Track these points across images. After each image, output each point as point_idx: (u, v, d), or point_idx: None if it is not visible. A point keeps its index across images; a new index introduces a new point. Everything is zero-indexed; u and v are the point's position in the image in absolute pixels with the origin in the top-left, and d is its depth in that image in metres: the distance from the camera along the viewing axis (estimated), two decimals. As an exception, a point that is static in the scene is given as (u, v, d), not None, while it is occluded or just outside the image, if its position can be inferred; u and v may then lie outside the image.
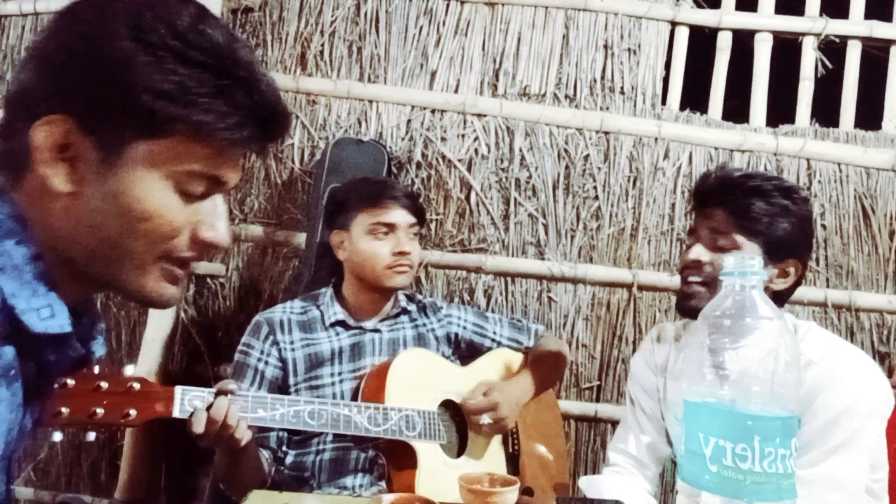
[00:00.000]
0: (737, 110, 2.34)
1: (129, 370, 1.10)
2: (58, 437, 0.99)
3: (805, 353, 1.17)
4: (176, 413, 1.15)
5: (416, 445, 1.43)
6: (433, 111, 2.29)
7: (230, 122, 0.65)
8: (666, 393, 1.45)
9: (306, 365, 1.58)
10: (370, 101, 2.30)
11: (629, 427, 1.51)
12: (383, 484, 1.50)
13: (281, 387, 1.58)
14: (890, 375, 2.15)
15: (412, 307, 1.74)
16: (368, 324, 1.66)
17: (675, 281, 2.14)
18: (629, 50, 2.30)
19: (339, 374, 1.59)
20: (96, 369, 1.03)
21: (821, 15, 2.32)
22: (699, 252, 1.31)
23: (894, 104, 2.33)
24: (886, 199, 2.24)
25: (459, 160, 2.25)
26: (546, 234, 2.25)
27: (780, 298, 1.30)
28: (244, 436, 1.23)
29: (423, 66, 2.32)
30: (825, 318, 2.22)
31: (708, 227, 1.31)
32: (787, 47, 2.34)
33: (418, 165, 2.26)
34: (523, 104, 2.28)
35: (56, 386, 0.71)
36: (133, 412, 1.06)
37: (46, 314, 0.62)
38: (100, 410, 1.02)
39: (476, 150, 2.26)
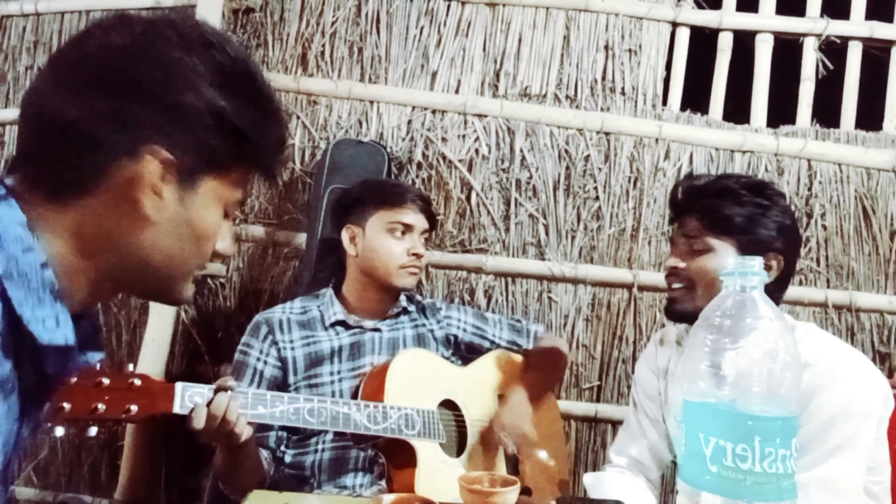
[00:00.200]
0: (737, 111, 2.34)
1: (129, 368, 1.11)
2: (60, 432, 0.99)
3: (802, 354, 1.17)
4: (177, 409, 1.15)
5: (415, 444, 1.43)
6: (434, 112, 2.29)
7: (272, 155, 0.75)
8: (667, 396, 1.45)
9: (306, 363, 1.58)
10: (371, 102, 2.30)
11: (631, 430, 1.51)
12: (383, 483, 1.50)
13: (280, 386, 1.58)
14: (890, 376, 2.15)
15: (412, 307, 1.74)
16: (368, 323, 1.66)
17: (675, 281, 2.14)
18: (630, 50, 2.30)
19: (339, 372, 1.59)
20: (98, 366, 1.03)
21: (822, 16, 2.32)
22: (674, 261, 1.36)
23: (895, 105, 2.33)
24: (887, 199, 2.24)
25: (460, 161, 2.25)
26: (546, 234, 2.25)
27: (770, 295, 1.29)
28: (244, 431, 1.23)
29: (424, 66, 2.32)
30: (825, 318, 2.22)
31: (682, 233, 1.36)
32: (787, 48, 2.34)
33: (419, 166, 2.26)
34: (524, 105, 2.28)
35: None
36: (134, 408, 1.06)
37: (52, 325, 0.63)
38: (101, 406, 1.02)
39: (477, 151, 2.27)
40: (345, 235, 1.68)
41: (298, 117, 2.29)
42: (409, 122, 2.28)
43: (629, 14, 2.31)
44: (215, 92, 0.67)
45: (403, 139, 2.28)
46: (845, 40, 2.33)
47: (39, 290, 0.62)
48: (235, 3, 2.37)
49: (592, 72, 2.30)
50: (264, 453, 1.50)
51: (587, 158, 2.26)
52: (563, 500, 1.28)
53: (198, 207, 0.70)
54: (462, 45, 2.32)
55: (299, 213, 2.29)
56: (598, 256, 2.25)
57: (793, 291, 2.00)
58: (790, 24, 2.33)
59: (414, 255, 1.64)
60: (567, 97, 2.29)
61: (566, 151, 2.26)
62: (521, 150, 2.25)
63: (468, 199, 2.26)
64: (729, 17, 2.34)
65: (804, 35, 2.32)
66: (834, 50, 2.33)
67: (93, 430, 1.03)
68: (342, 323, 1.64)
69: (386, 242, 1.63)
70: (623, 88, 2.30)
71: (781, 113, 2.34)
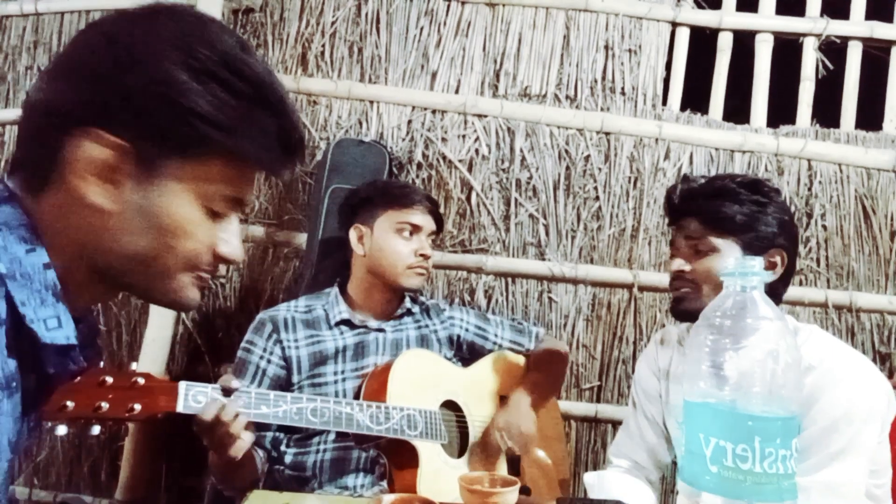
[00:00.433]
0: (737, 111, 2.35)
1: (133, 367, 1.11)
2: (62, 430, 0.99)
3: (805, 357, 1.17)
4: (180, 408, 1.15)
5: (417, 445, 1.43)
6: (434, 112, 2.29)
7: (263, 147, 0.69)
8: (668, 397, 1.45)
9: (310, 362, 1.58)
10: (371, 102, 2.30)
11: (630, 431, 1.51)
12: (384, 484, 1.50)
13: (283, 385, 1.58)
14: (890, 376, 2.15)
15: (416, 308, 1.74)
16: (373, 323, 1.67)
17: (675, 281, 2.14)
18: (630, 50, 2.30)
19: (342, 372, 1.59)
20: (100, 365, 1.03)
21: (821, 16, 2.32)
22: (679, 263, 1.35)
23: (895, 105, 2.33)
24: (887, 199, 2.24)
25: (460, 161, 2.26)
26: (546, 234, 2.25)
27: (774, 293, 1.30)
28: (246, 438, 1.23)
29: (424, 66, 2.32)
30: (826, 318, 2.22)
31: (683, 236, 1.35)
32: (787, 48, 2.34)
33: (419, 166, 2.26)
34: (524, 105, 2.28)
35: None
36: (138, 407, 1.06)
37: (53, 324, 0.63)
38: (105, 405, 1.02)
39: (477, 151, 2.27)
40: (353, 235, 1.68)
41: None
42: (409, 122, 2.28)
43: (629, 14, 2.31)
44: (177, 75, 0.63)
45: (403, 139, 2.28)
46: (845, 40, 2.33)
47: (42, 291, 0.63)
48: (235, 4, 2.37)
49: (592, 72, 2.30)
50: (259, 453, 1.50)
51: (587, 158, 2.26)
52: (563, 500, 1.28)
53: (159, 197, 0.65)
54: (462, 44, 2.32)
55: (299, 212, 2.29)
56: (599, 256, 2.25)
57: (793, 291, 2.00)
58: (790, 24, 2.33)
59: (422, 255, 1.65)
60: (567, 97, 2.29)
61: (566, 151, 2.26)
62: (521, 150, 2.25)
63: (468, 199, 2.26)
64: (729, 17, 2.34)
65: (804, 35, 2.32)
66: (834, 50, 2.33)
67: (96, 429, 1.03)
68: (347, 322, 1.64)
69: (394, 243, 1.64)
70: (623, 88, 2.30)
71: (781, 113, 2.34)
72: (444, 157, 2.26)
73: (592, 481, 1.41)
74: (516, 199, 2.25)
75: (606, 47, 2.30)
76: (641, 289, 2.23)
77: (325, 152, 2.19)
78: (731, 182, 1.33)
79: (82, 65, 0.65)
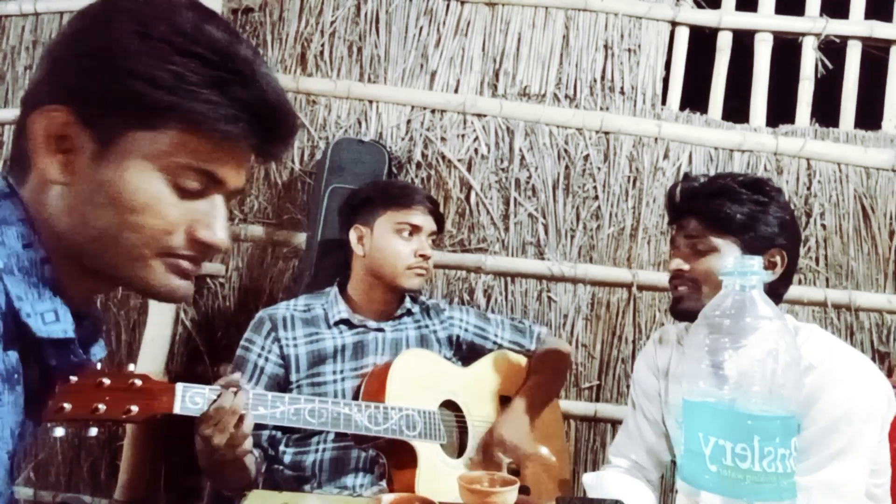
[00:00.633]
0: (737, 110, 2.35)
1: (130, 368, 1.10)
2: (60, 432, 0.99)
3: (805, 356, 1.17)
4: (177, 409, 1.15)
5: (416, 445, 1.43)
6: (433, 111, 2.29)
7: (223, 115, 0.64)
8: (667, 396, 1.45)
9: (309, 361, 1.58)
10: (370, 102, 2.30)
11: (630, 431, 1.51)
12: (384, 483, 1.50)
13: (281, 384, 1.58)
14: (889, 375, 2.15)
15: (416, 308, 1.74)
16: (372, 323, 1.66)
17: (674, 281, 2.14)
18: (629, 50, 2.30)
19: (341, 371, 1.59)
20: (98, 366, 1.03)
21: (821, 15, 2.33)
22: (678, 263, 1.35)
23: (894, 104, 2.34)
24: (886, 199, 2.25)
25: (459, 160, 2.26)
26: (546, 233, 2.25)
27: (774, 293, 1.30)
28: (247, 444, 1.23)
29: (423, 66, 2.32)
30: (825, 317, 2.22)
31: (683, 235, 1.35)
32: (787, 47, 2.34)
33: (418, 165, 2.26)
34: (523, 104, 2.28)
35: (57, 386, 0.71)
36: (135, 408, 1.06)
37: (51, 318, 0.63)
38: (102, 406, 1.02)
39: (476, 150, 2.27)
40: (353, 235, 1.68)
41: (298, 117, 2.29)
42: (409, 121, 2.28)
43: (628, 13, 2.31)
44: (128, 42, 0.61)
45: (403, 139, 2.28)
46: (844, 40, 2.33)
47: (39, 286, 0.63)
48: (234, 3, 2.37)
49: (592, 71, 2.30)
50: (256, 452, 1.49)
51: (586, 158, 2.26)
52: (562, 499, 1.28)
53: (115, 168, 0.62)
54: (461, 44, 2.32)
55: (299, 212, 2.29)
56: (598, 256, 2.25)
57: (792, 291, 2.00)
58: (789, 23, 2.33)
59: (421, 256, 1.64)
60: (566, 97, 2.29)
61: (565, 151, 2.26)
62: (521, 150, 2.25)
63: (467, 198, 2.26)
64: (728, 17, 2.34)
65: (803, 34, 2.33)
66: (833, 49, 2.33)
67: (93, 431, 1.03)
68: (346, 322, 1.64)
69: (394, 243, 1.63)
70: (622, 88, 2.30)
71: (781, 112, 2.34)
72: (444, 157, 2.26)
73: (591, 482, 1.41)
74: (515, 199, 2.25)
75: (606, 47, 2.30)
76: (640, 288, 2.23)
77: (324, 152, 2.19)
78: (733, 181, 1.33)
79: (52, 49, 0.66)
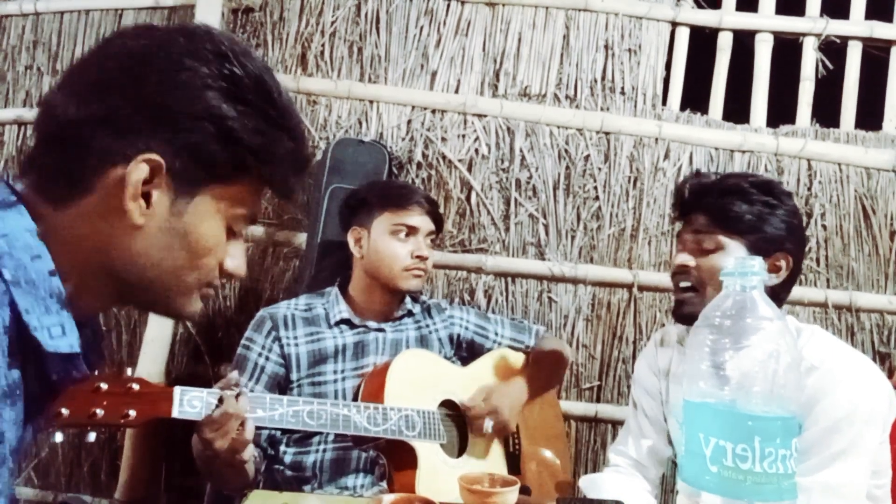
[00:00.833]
0: (737, 111, 2.35)
1: (128, 372, 1.10)
2: (58, 437, 0.99)
3: (807, 357, 1.17)
4: (175, 413, 1.15)
5: (416, 445, 1.43)
6: (434, 111, 2.29)
7: (287, 176, 0.73)
8: (668, 396, 1.45)
9: (309, 361, 1.58)
10: (371, 102, 2.30)
11: (630, 430, 1.51)
12: (384, 484, 1.50)
13: (282, 383, 1.58)
14: (890, 376, 2.15)
15: (417, 308, 1.74)
16: (373, 323, 1.66)
17: (675, 281, 2.14)
18: (630, 50, 2.30)
19: (342, 371, 1.59)
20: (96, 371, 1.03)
21: (821, 15, 2.32)
22: (684, 258, 1.33)
23: (895, 104, 2.33)
24: (887, 199, 2.24)
25: (460, 160, 2.25)
26: (546, 234, 2.25)
27: (776, 296, 1.29)
28: (251, 440, 1.23)
29: (424, 66, 2.32)
30: (825, 318, 2.22)
31: (691, 231, 1.34)
32: (787, 48, 2.34)
33: (419, 165, 2.26)
34: (524, 104, 2.28)
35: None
36: (133, 413, 1.06)
37: (57, 332, 0.63)
38: (99, 411, 1.02)
39: (476, 151, 2.26)
40: (350, 237, 1.68)
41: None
42: (409, 121, 2.28)
43: (629, 14, 2.31)
44: (220, 101, 0.65)
45: (403, 139, 2.28)
46: (845, 40, 2.33)
47: (47, 299, 0.62)
48: (235, 3, 2.37)
49: (592, 71, 2.30)
50: (256, 452, 1.49)
51: (587, 158, 2.26)
52: (563, 499, 1.28)
53: (192, 218, 0.68)
54: (462, 44, 2.32)
55: (299, 212, 2.29)
56: (598, 256, 2.25)
57: (793, 292, 1.97)
58: (790, 23, 2.33)
59: (418, 257, 1.63)
60: (567, 97, 2.29)
61: (566, 151, 2.26)
62: (521, 150, 2.25)
63: (468, 198, 2.26)
64: (728, 17, 2.34)
65: (804, 35, 2.32)
66: (833, 50, 2.33)
67: (91, 436, 1.03)
68: (347, 322, 1.64)
69: (390, 245, 1.63)
70: (623, 88, 2.30)
71: (781, 113, 2.34)
72: (444, 157, 2.26)
73: (586, 485, 1.41)
74: (516, 199, 2.25)
75: (606, 47, 2.30)
76: (641, 288, 2.23)
77: (324, 152, 2.19)
78: (744, 181, 1.32)
79: (128, 82, 0.65)
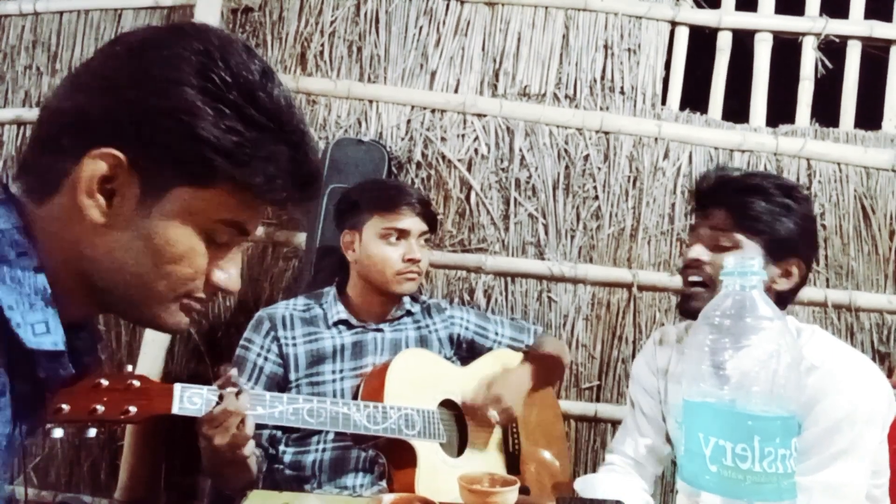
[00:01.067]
0: (737, 110, 2.34)
1: (128, 368, 1.11)
2: (59, 433, 0.99)
3: (807, 357, 1.17)
4: (175, 409, 1.15)
5: (415, 444, 1.43)
6: (433, 111, 2.29)
7: (275, 185, 0.67)
8: (667, 395, 1.45)
9: (308, 361, 1.58)
10: (370, 101, 2.30)
11: (628, 428, 1.51)
12: (384, 483, 1.50)
13: (280, 383, 1.58)
14: (890, 376, 2.15)
15: (416, 308, 1.74)
16: (371, 324, 1.66)
17: (675, 281, 2.14)
18: (629, 50, 2.30)
19: (341, 371, 1.59)
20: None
21: (821, 15, 2.32)
22: (699, 251, 1.31)
23: (894, 104, 2.33)
24: (886, 199, 2.24)
25: (459, 160, 2.25)
26: (546, 234, 2.25)
27: (783, 299, 1.29)
28: (251, 436, 1.23)
29: (423, 66, 2.32)
30: (825, 318, 2.22)
31: (708, 226, 1.32)
32: (786, 47, 2.34)
33: (418, 165, 2.26)
34: (523, 104, 2.28)
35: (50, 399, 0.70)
36: (133, 409, 1.07)
37: (41, 330, 0.62)
38: (100, 407, 1.02)
39: (476, 150, 2.26)
40: (344, 240, 1.67)
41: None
42: (409, 121, 2.28)
43: (628, 13, 2.31)
44: (195, 99, 0.62)
45: (403, 139, 2.28)
46: (844, 39, 2.33)
47: (31, 296, 0.62)
48: (234, 3, 2.37)
49: (591, 71, 2.30)
50: (257, 451, 1.49)
51: (586, 158, 2.26)
52: (562, 499, 1.28)
53: (159, 220, 0.64)
54: (461, 44, 2.32)
55: (299, 212, 2.29)
56: (598, 256, 2.25)
57: (792, 291, 2.01)
58: (789, 23, 2.33)
59: (409, 260, 1.61)
60: (566, 96, 2.29)
61: (565, 151, 2.26)
62: (521, 150, 2.25)
63: (467, 198, 2.25)
64: (728, 17, 2.34)
65: (803, 34, 2.32)
66: (833, 49, 2.33)
67: (92, 432, 1.03)
68: (345, 322, 1.64)
69: (381, 249, 1.60)
70: (622, 88, 2.30)
71: (780, 112, 2.34)
72: (444, 157, 2.25)
73: (581, 486, 1.41)
74: (515, 199, 2.25)
75: (605, 47, 2.30)
76: (641, 288, 2.23)
77: (324, 152, 2.19)
78: (767, 181, 1.31)
79: (102, 78, 0.65)
